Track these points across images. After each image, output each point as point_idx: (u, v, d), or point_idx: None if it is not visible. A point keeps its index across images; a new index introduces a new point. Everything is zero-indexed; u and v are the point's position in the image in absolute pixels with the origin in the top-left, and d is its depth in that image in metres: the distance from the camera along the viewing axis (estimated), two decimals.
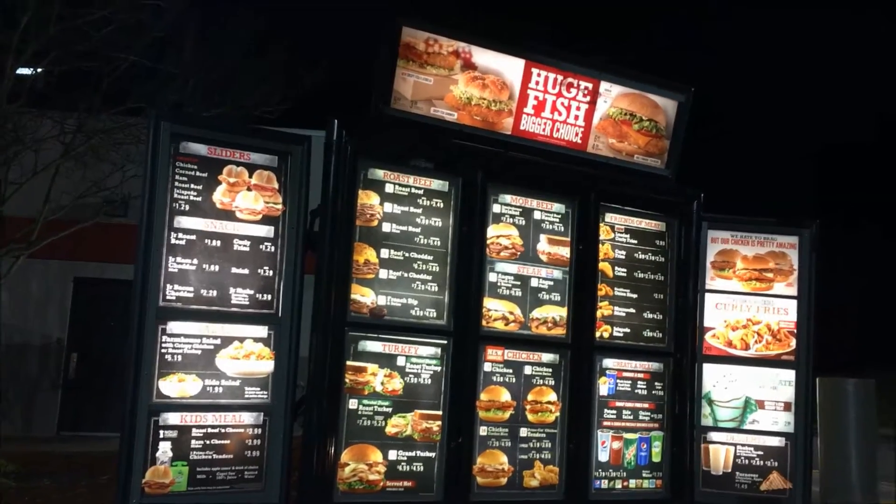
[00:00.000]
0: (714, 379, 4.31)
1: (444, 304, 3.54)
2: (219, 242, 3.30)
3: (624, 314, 3.94)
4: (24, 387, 12.84)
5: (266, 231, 3.39)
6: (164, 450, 3.19)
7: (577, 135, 3.90)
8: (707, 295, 4.34)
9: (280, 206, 3.40)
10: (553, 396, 3.70)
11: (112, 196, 10.37)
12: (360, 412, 3.38)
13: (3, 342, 12.61)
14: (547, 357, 3.71)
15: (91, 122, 8.17)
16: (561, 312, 3.75)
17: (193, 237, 3.26)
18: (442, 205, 3.58)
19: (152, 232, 3.18)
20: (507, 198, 3.72)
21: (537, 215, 3.78)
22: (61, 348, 12.97)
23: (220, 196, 3.31)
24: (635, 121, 4.00)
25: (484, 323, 3.60)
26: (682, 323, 4.02)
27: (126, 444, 3.15)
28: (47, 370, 12.99)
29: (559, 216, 3.82)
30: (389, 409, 3.42)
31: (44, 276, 11.95)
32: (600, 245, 3.90)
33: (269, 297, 3.39)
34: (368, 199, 3.45)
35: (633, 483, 3.87)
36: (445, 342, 3.52)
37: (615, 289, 3.93)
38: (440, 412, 3.48)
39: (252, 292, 3.36)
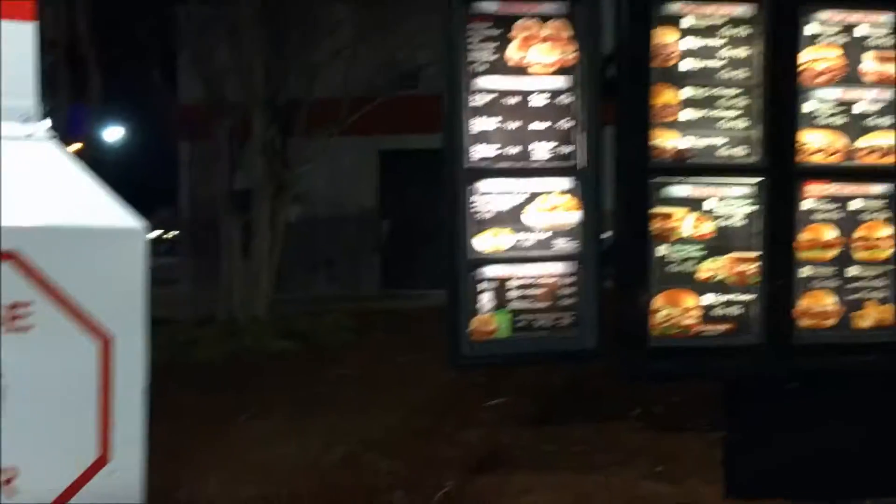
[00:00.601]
0: None
1: (756, 141, 3.31)
2: (517, 99, 3.34)
3: None
4: (347, 252, 14.40)
5: (562, 82, 3.36)
6: (486, 300, 3.41)
7: None
8: None
9: (574, 55, 3.34)
10: (887, 231, 3.37)
11: (405, 68, 10.91)
12: (669, 258, 3.33)
13: (326, 214, 14.11)
14: (878, 189, 3.36)
15: None
16: (893, 138, 3.35)
17: (493, 96, 3.32)
18: (746, 33, 3.29)
19: (455, 96, 3.29)
20: (824, 14, 3.31)
21: (861, 31, 3.34)
22: (375, 216, 14.26)
23: (514, 52, 3.31)
24: None
25: (802, 157, 3.32)
26: None
27: (451, 296, 3.41)
28: (366, 236, 14.41)
29: (888, 28, 3.35)
30: (701, 254, 3.34)
31: (353, 151, 13.04)
32: None
33: (570, 148, 3.39)
34: (665, 37, 3.26)
35: None
36: (759, 180, 3.32)
37: None
38: (756, 254, 3.33)
39: (553, 145, 3.38)
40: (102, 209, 1.58)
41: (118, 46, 9.45)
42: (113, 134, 23.91)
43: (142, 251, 1.57)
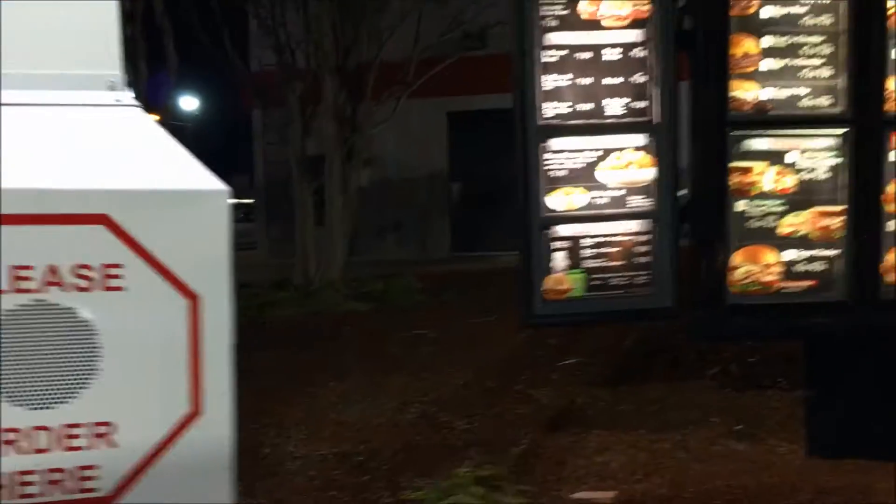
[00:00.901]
0: None
1: (839, 90, 3.18)
2: (589, 54, 3.28)
3: None
4: (417, 215, 14.48)
5: (635, 36, 3.28)
6: (559, 259, 3.39)
7: None
8: None
9: (647, 8, 3.25)
10: None
11: (470, 29, 10.82)
12: (749, 213, 3.25)
13: (396, 177, 14.19)
14: None
15: None
16: None
17: (564, 52, 3.27)
18: None
19: (525, 53, 3.25)
20: None
21: None
22: (444, 179, 14.26)
23: (585, 6, 3.25)
24: None
25: (890, 106, 3.18)
26: None
27: (524, 256, 3.40)
28: (435, 199, 14.45)
29: None
30: (782, 209, 3.24)
31: (422, 113, 13.04)
32: None
33: (644, 104, 3.32)
34: None
35: None
36: (843, 132, 3.20)
37: None
38: (841, 208, 3.22)
39: (626, 101, 3.32)
40: (187, 172, 1.63)
41: (192, 17, 9.62)
42: (189, 103, 24.46)
43: (227, 212, 1.61)
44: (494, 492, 3.21)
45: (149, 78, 8.44)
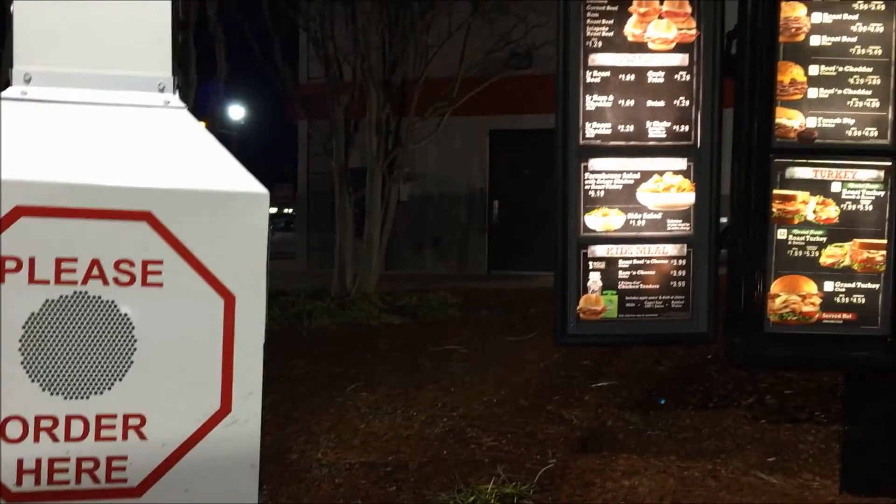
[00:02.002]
0: None
1: (887, 122, 3.15)
2: (633, 76, 3.28)
3: None
4: (456, 232, 14.50)
5: (680, 60, 3.28)
6: (594, 280, 3.39)
7: None
8: None
9: (694, 32, 3.26)
10: None
11: (517, 49, 10.87)
12: (790, 242, 3.22)
13: (436, 193, 14.24)
14: None
15: None
16: None
17: (608, 73, 3.28)
18: (883, 7, 3.12)
19: (569, 73, 3.27)
20: None
21: None
22: (484, 196, 14.28)
23: (631, 28, 3.26)
24: None
25: None
26: None
27: (560, 274, 3.40)
28: (474, 216, 14.47)
29: None
30: (824, 239, 3.21)
31: (464, 131, 13.09)
32: None
33: (687, 128, 3.32)
34: (793, 11, 3.13)
35: None
36: (889, 164, 3.16)
37: None
38: (884, 241, 3.17)
39: (669, 125, 3.31)
40: (229, 174, 1.66)
41: (243, 28, 9.80)
42: (237, 112, 24.90)
43: (265, 215, 1.64)
44: None
45: (199, 85, 8.61)
